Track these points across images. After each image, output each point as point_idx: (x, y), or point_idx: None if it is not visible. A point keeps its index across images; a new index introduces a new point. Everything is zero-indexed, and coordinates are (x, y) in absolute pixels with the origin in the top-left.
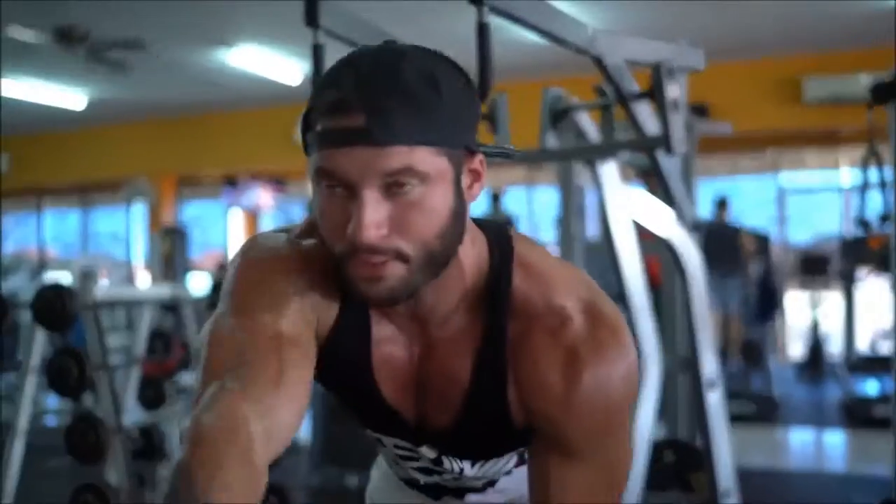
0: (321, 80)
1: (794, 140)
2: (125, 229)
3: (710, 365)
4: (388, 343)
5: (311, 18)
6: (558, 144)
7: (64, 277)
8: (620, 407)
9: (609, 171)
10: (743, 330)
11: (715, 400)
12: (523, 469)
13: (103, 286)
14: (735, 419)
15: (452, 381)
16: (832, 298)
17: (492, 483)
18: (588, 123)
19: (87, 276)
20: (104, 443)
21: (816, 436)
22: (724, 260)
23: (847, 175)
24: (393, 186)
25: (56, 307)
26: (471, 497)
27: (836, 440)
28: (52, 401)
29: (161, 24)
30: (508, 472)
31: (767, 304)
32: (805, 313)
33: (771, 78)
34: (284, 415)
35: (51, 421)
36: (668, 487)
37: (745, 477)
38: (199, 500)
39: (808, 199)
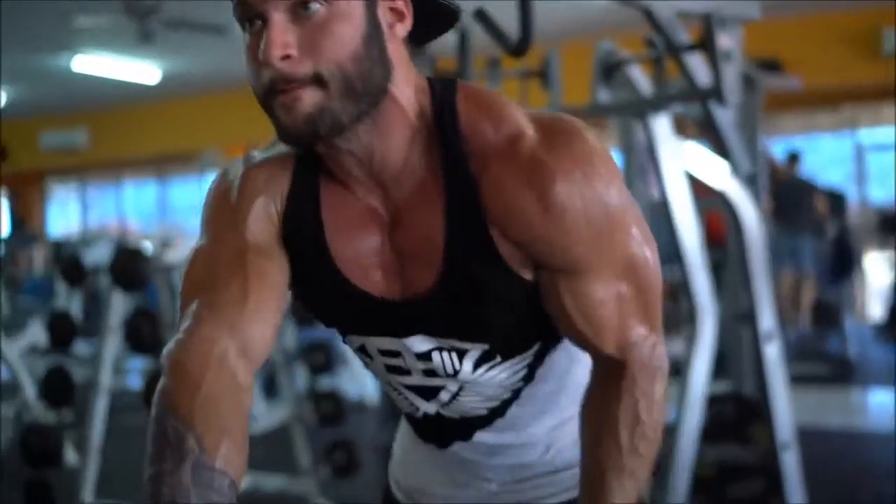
0: None
1: (873, 95)
2: (201, 201)
3: (767, 318)
4: (346, 220)
5: None
6: (610, 99)
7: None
8: (613, 208)
9: (661, 124)
10: (818, 290)
11: (773, 353)
12: (535, 399)
13: (176, 252)
14: (808, 380)
15: (428, 240)
16: None
17: (500, 412)
18: (640, 77)
19: (163, 242)
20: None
21: (893, 397)
22: (796, 217)
23: None
24: (298, 8)
25: (130, 269)
26: (481, 435)
27: None
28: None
29: None
30: (517, 396)
31: (843, 264)
32: (884, 273)
33: (848, 30)
34: (254, 329)
35: (133, 381)
36: (728, 440)
37: (818, 437)
38: (184, 432)
39: (888, 156)
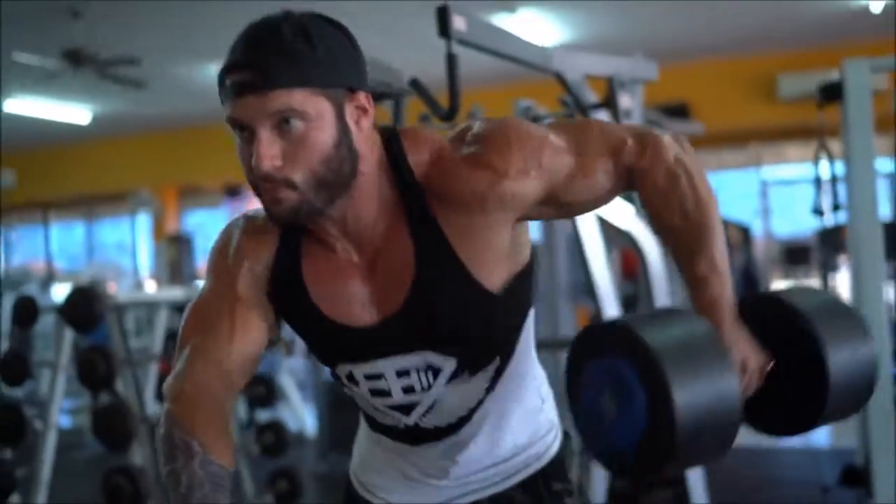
0: (231, 46)
1: (774, 135)
2: (130, 240)
3: None
4: (325, 267)
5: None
6: None
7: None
8: (534, 135)
9: None
10: None
11: None
12: (496, 405)
13: (123, 291)
14: None
15: (401, 263)
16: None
17: (466, 419)
18: None
19: (94, 282)
20: (132, 429)
21: None
22: None
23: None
24: (281, 124)
25: (84, 309)
26: (446, 439)
27: None
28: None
29: (158, 41)
30: (480, 403)
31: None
32: None
33: (747, 75)
34: (238, 363)
35: (65, 422)
36: None
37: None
38: (188, 440)
39: (790, 191)
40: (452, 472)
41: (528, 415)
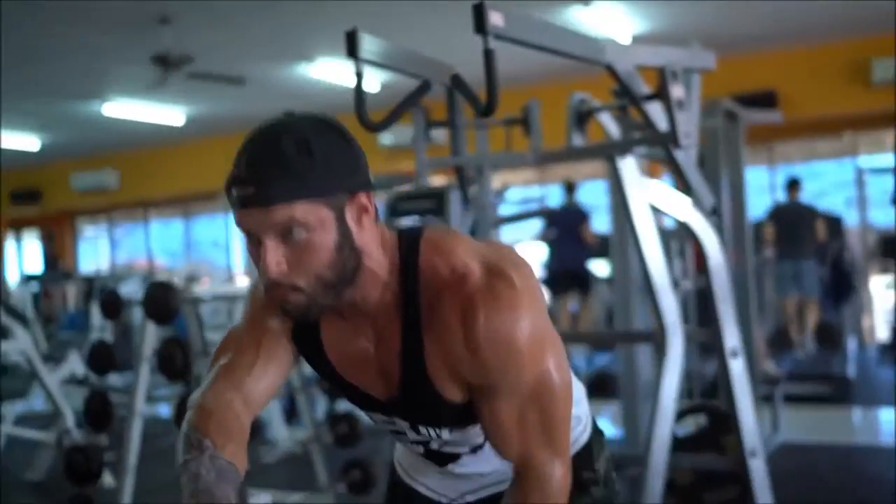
0: (235, 155)
1: (869, 122)
2: (224, 237)
3: (731, 337)
4: (339, 336)
5: (352, 50)
6: (583, 142)
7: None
8: (522, 345)
9: (628, 164)
10: (821, 312)
11: (737, 368)
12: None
13: (215, 285)
14: (810, 400)
15: (392, 358)
16: None
17: (480, 446)
18: (609, 123)
19: (189, 278)
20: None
21: (886, 413)
22: (797, 241)
23: None
24: (285, 234)
25: (161, 301)
26: (465, 462)
27: None
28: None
29: (247, 42)
30: (485, 442)
31: (842, 286)
32: (887, 295)
33: (838, 61)
34: (255, 389)
35: (165, 411)
36: (702, 449)
37: (815, 451)
38: (202, 438)
39: (887, 179)
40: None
41: None
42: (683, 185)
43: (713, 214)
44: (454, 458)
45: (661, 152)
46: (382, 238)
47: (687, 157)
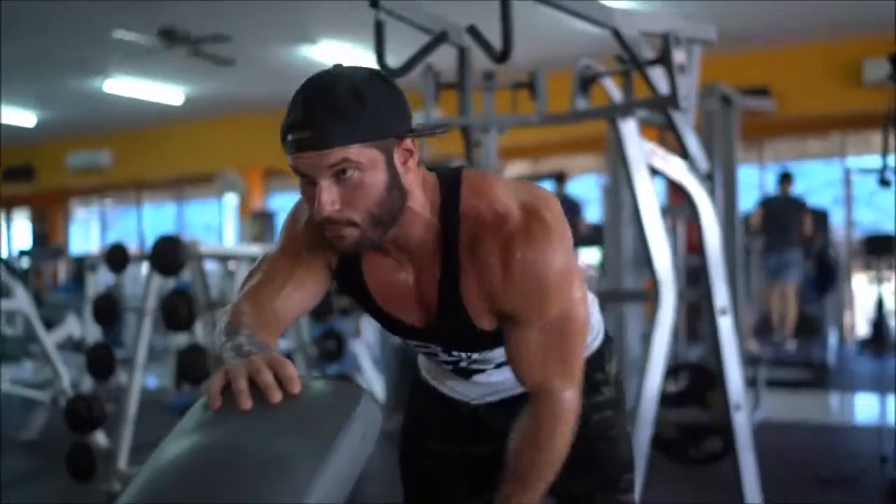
0: (290, 103)
1: (858, 122)
2: (218, 221)
3: (721, 296)
4: (381, 270)
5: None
6: (587, 106)
7: None
8: (552, 279)
9: (629, 127)
10: (802, 303)
11: (726, 326)
12: None
13: (206, 243)
14: (790, 385)
15: (431, 289)
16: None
17: (504, 363)
18: (613, 88)
19: (193, 240)
20: (209, 369)
21: (861, 398)
22: (784, 232)
23: None
24: (339, 174)
25: (169, 255)
26: (489, 374)
27: (876, 401)
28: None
29: (250, 23)
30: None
31: (825, 278)
32: (869, 291)
33: (831, 60)
34: (285, 308)
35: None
36: (687, 404)
37: (794, 429)
38: (239, 326)
39: (874, 181)
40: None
41: None
42: (681, 149)
43: (707, 179)
44: (479, 372)
45: (661, 117)
46: (424, 180)
47: (686, 120)
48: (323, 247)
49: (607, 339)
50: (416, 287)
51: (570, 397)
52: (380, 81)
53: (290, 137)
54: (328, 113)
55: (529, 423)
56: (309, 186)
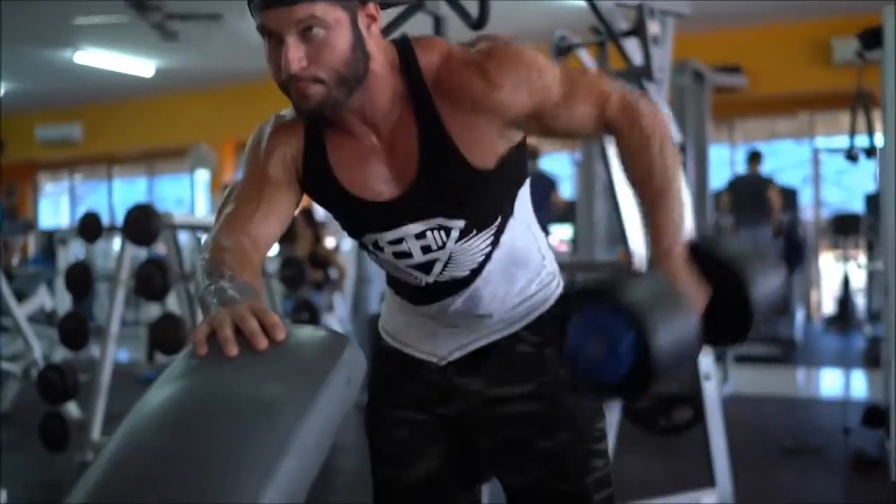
0: None
1: (828, 101)
2: (189, 196)
3: None
4: (347, 151)
5: None
6: None
7: None
8: (529, 57)
9: None
10: None
11: None
12: (503, 257)
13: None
14: (758, 360)
15: (409, 147)
16: (862, 256)
17: (478, 272)
18: (588, 59)
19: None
20: (183, 338)
21: (827, 373)
22: (753, 210)
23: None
24: (305, 31)
25: (142, 224)
26: (462, 298)
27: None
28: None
29: None
30: (489, 258)
31: (793, 257)
32: (836, 270)
33: (802, 40)
34: (260, 232)
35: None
36: None
37: (762, 402)
38: (220, 266)
39: (843, 160)
40: (465, 324)
41: (532, 268)
42: None
43: (680, 151)
44: (452, 290)
45: (635, 87)
46: (383, 48)
47: (659, 92)
48: (286, 160)
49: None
50: (389, 154)
51: (644, 104)
52: None
53: None
54: None
55: (637, 151)
56: (275, 49)
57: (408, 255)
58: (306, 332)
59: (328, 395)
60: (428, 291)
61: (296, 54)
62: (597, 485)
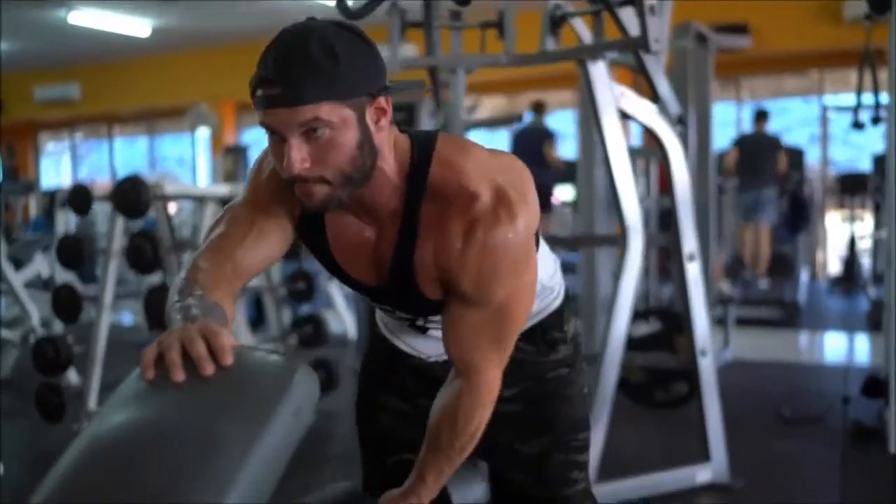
0: (260, 57)
1: (838, 59)
2: (190, 154)
3: (689, 242)
4: (342, 228)
5: None
6: (556, 47)
7: None
8: (507, 266)
9: (599, 69)
10: (775, 242)
11: (693, 271)
12: None
13: (172, 183)
14: (763, 323)
15: (387, 252)
16: (869, 216)
17: None
18: (583, 29)
19: (158, 180)
20: None
21: (832, 337)
22: (759, 170)
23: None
24: (309, 132)
25: (132, 196)
26: (432, 332)
27: (845, 340)
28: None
29: None
30: None
31: (798, 217)
32: (842, 230)
33: None
34: (244, 260)
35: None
36: (655, 348)
37: (763, 368)
38: (192, 286)
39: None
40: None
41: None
42: (652, 93)
43: (679, 123)
44: (435, 329)
45: (631, 58)
46: (396, 142)
47: (657, 63)
48: (287, 197)
49: (567, 300)
50: (374, 248)
51: (493, 377)
52: (355, 38)
53: (259, 92)
54: (300, 69)
55: (449, 399)
56: (278, 142)
57: (390, 312)
58: (256, 358)
59: (275, 429)
60: (412, 327)
61: (298, 155)
62: (576, 497)
